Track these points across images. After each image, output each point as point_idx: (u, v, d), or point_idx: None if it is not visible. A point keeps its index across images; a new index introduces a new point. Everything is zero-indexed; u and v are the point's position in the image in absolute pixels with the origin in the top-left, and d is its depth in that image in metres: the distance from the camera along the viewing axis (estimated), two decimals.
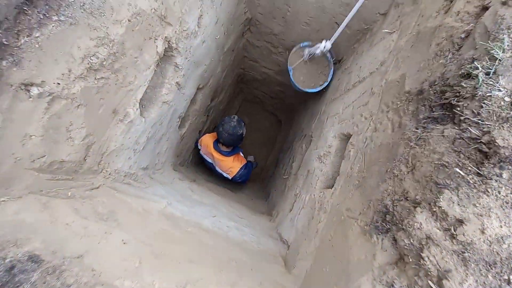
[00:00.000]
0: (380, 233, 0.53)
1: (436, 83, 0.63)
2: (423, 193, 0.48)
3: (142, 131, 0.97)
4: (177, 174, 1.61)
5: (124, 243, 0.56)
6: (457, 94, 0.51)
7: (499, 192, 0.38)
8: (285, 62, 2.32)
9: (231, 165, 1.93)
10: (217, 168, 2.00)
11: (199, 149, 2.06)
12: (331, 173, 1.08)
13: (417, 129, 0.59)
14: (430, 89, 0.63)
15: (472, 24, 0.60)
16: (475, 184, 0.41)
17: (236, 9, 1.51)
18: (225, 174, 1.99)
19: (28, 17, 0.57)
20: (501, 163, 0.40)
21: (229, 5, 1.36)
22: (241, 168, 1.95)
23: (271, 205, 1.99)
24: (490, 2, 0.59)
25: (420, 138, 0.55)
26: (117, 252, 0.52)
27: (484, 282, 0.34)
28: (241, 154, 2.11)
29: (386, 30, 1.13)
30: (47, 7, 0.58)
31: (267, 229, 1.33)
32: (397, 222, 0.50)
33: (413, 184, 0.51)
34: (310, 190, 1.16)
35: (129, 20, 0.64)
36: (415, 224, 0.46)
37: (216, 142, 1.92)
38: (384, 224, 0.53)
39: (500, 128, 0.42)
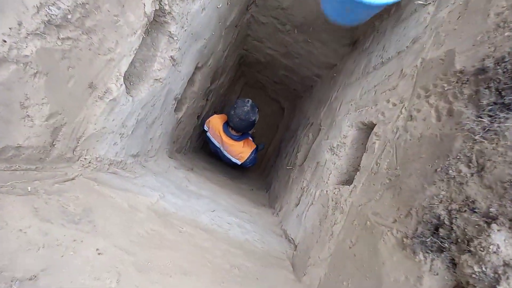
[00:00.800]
0: (429, 251, 0.41)
1: (506, 59, 0.48)
2: (500, 205, 0.35)
3: (130, 112, 0.83)
4: (173, 162, 1.48)
5: (99, 254, 0.44)
6: None
7: None
8: (292, 41, 2.12)
9: (241, 150, 1.82)
10: (226, 153, 1.88)
11: (206, 131, 1.91)
12: (346, 167, 0.95)
13: (481, 118, 0.45)
14: (498, 67, 0.48)
15: None
16: None
17: None
18: (233, 159, 1.88)
19: None
20: None
21: None
22: (251, 153, 1.86)
23: (273, 196, 1.88)
24: None
25: (489, 130, 0.42)
26: (87, 268, 0.40)
27: None
28: (250, 138, 1.99)
29: (419, 2, 0.96)
30: None
31: (270, 225, 1.23)
32: (459, 240, 0.38)
33: (483, 191, 0.38)
34: (321, 185, 1.04)
35: None
36: (490, 246, 0.34)
37: (226, 125, 1.79)
38: (435, 239, 0.41)
39: None
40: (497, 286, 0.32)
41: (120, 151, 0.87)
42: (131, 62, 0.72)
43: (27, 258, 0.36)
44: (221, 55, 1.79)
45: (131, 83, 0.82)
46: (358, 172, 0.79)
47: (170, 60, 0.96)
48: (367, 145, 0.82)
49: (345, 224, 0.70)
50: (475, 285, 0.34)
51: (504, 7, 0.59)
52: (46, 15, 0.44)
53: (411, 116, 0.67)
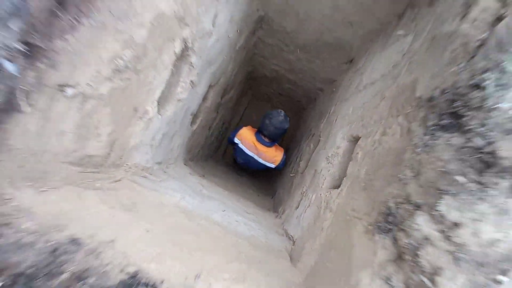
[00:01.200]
0: (382, 233, 0.57)
1: (447, 91, 0.64)
2: (424, 198, 0.51)
3: (159, 128, 1.03)
4: (188, 169, 1.67)
5: (147, 231, 0.62)
6: (466, 104, 0.53)
7: (496, 200, 0.40)
8: (295, 59, 2.32)
9: (275, 154, 2.07)
10: (260, 160, 2.08)
11: (236, 143, 2.10)
12: (338, 173, 1.11)
13: (425, 135, 0.61)
14: (441, 96, 0.64)
15: (486, 34, 0.61)
16: (474, 192, 0.44)
17: (249, 7, 1.52)
18: (268, 164, 2.10)
19: (61, 21, 0.62)
20: (501, 173, 0.42)
21: (243, 3, 1.38)
22: (283, 156, 2.12)
23: (278, 202, 2.03)
24: (506, 12, 0.59)
25: (427, 145, 0.58)
26: (142, 239, 0.58)
27: (473, 280, 0.37)
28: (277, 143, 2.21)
29: (400, 32, 1.13)
30: (78, 11, 0.63)
31: (274, 225, 1.38)
32: (398, 223, 0.53)
33: (417, 189, 0.53)
34: (317, 190, 1.19)
35: (151, 23, 0.69)
36: (415, 225, 0.49)
37: (258, 134, 2.01)
38: (386, 224, 0.56)
39: (503, 139, 0.44)
40: (418, 252, 0.47)
41: (149, 159, 1.07)
42: (162, 89, 0.92)
43: (105, 230, 0.55)
44: (231, 73, 2.00)
45: (160, 104, 1.02)
46: (345, 178, 0.94)
47: (190, 83, 1.16)
48: (352, 155, 0.98)
49: (332, 220, 0.85)
50: (405, 252, 0.49)
51: (458, 44, 0.75)
52: (115, 65, 0.64)
53: (385, 132, 0.83)
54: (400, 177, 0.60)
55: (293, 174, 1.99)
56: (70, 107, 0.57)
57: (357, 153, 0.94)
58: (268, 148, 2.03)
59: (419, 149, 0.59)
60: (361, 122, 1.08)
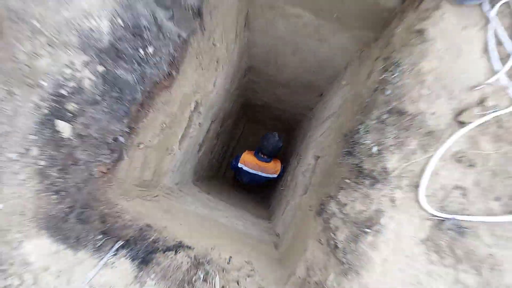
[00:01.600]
0: (319, 215, 0.98)
1: (351, 131, 1.09)
2: (334, 192, 0.93)
3: (178, 159, 1.46)
4: (197, 188, 2.09)
5: (181, 225, 1.03)
6: (354, 141, 0.97)
7: (364, 190, 0.83)
8: (280, 93, 2.83)
9: (274, 166, 2.54)
10: (263, 174, 2.53)
11: (239, 167, 2.54)
12: (307, 183, 1.53)
13: (341, 157, 1.05)
14: (349, 134, 1.09)
15: (369, 99, 1.07)
16: (353, 187, 0.86)
17: (239, 62, 2.04)
18: (271, 176, 2.56)
19: (140, 113, 1.08)
20: (366, 177, 0.85)
21: (235, 62, 1.88)
22: (282, 166, 2.57)
23: (271, 212, 2.41)
24: (384, 87, 1.06)
25: (339, 163, 1.01)
26: (180, 228, 0.99)
27: (351, 233, 0.79)
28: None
29: (343, 82, 1.61)
30: (147, 108, 1.09)
31: (266, 228, 1.76)
32: (325, 208, 0.95)
33: (333, 187, 0.96)
34: (295, 197, 1.60)
35: (180, 101, 1.15)
36: (330, 207, 0.91)
37: (257, 154, 2.48)
38: (321, 210, 0.98)
39: (366, 159, 0.88)
40: (329, 221, 0.89)
41: (172, 181, 1.49)
42: (182, 133, 1.38)
43: (161, 221, 0.96)
44: (228, 107, 2.49)
45: (180, 143, 1.47)
46: (310, 186, 1.36)
47: (198, 125, 1.62)
48: (315, 170, 1.41)
49: (300, 215, 1.26)
50: (326, 223, 0.91)
51: (358, 103, 1.21)
52: (162, 127, 1.09)
53: (329, 153, 1.27)
54: (330, 182, 1.02)
55: (283, 188, 2.39)
56: (142, 153, 1.01)
57: (317, 168, 1.37)
58: (268, 163, 2.50)
59: (337, 165, 1.02)
60: (321, 145, 1.53)
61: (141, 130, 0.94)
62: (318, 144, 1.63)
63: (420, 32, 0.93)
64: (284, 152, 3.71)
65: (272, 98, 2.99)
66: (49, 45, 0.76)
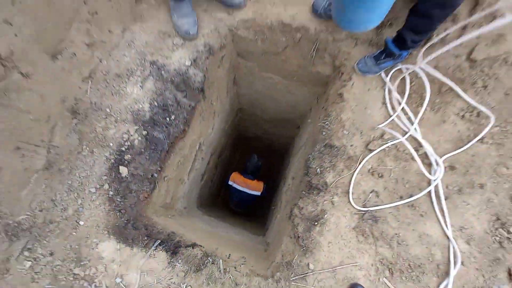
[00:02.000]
0: (289, 219, 1.42)
1: (307, 159, 1.59)
2: (297, 201, 1.39)
3: (187, 187, 1.92)
4: (200, 212, 2.49)
5: (193, 234, 1.45)
6: (307, 164, 1.46)
7: (313, 197, 1.29)
8: (269, 128, 3.40)
9: (257, 184, 3.09)
10: (249, 191, 3.03)
11: (230, 185, 3.06)
12: (287, 199, 1.98)
13: (302, 177, 1.52)
14: (307, 161, 1.59)
15: (316, 135, 1.59)
16: (307, 196, 1.33)
17: (231, 108, 2.61)
18: (255, 192, 3.06)
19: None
20: (314, 189, 1.32)
21: (227, 109, 2.45)
22: (264, 185, 3.11)
23: (266, 229, 2.79)
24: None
25: (301, 181, 1.49)
26: (192, 235, 1.41)
27: (306, 226, 1.23)
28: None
29: (309, 120, 2.16)
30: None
31: (260, 241, 2.15)
32: (292, 212, 1.39)
33: (297, 198, 1.42)
34: (280, 212, 2.03)
35: (190, 145, 1.65)
36: (294, 212, 1.36)
37: (244, 173, 3.09)
38: (290, 215, 1.42)
39: (314, 177, 1.36)
40: (290, 216, 1.33)
41: (181, 205, 1.93)
42: (190, 167, 1.86)
43: (184, 231, 1.39)
44: (224, 142, 3.01)
45: (189, 174, 1.94)
46: (288, 200, 1.80)
47: (201, 159, 2.11)
48: (291, 188, 1.86)
49: (281, 222, 1.69)
50: (292, 217, 1.35)
51: (315, 136, 1.73)
52: (178, 164, 1.58)
53: (297, 175, 1.74)
54: (296, 195, 1.48)
55: (273, 207, 2.80)
56: (165, 184, 1.47)
57: (292, 186, 1.83)
58: (252, 180, 3.06)
59: (300, 183, 1.49)
60: (295, 169, 2.00)
61: (166, 168, 1.42)
62: (294, 168, 2.12)
63: (340, 94, 1.49)
64: (271, 175, 4.15)
65: (260, 131, 3.55)
66: (115, 122, 1.28)
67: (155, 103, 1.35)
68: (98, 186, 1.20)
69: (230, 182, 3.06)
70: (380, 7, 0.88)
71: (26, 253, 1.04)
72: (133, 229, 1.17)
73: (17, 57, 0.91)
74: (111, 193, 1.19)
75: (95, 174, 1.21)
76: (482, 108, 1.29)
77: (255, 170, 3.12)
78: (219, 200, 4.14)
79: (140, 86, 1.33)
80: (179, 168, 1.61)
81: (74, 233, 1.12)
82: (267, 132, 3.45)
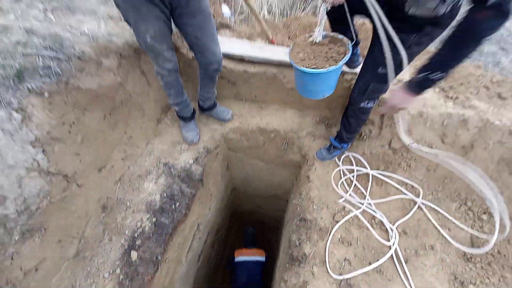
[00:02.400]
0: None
1: (288, 232, 1.86)
2: (283, 274, 1.58)
3: (184, 270, 2.06)
4: None
5: None
6: (288, 237, 1.73)
7: (296, 269, 1.50)
8: (261, 203, 3.70)
9: (260, 251, 3.43)
10: (256, 257, 3.33)
11: (237, 262, 3.31)
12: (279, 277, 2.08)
13: (286, 249, 1.76)
14: (288, 233, 1.86)
15: (294, 210, 1.93)
16: (290, 268, 1.54)
17: (226, 189, 3.00)
18: (261, 258, 3.37)
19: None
20: (295, 261, 1.55)
21: (222, 190, 2.83)
22: (265, 254, 3.43)
23: None
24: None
25: (286, 253, 1.72)
26: None
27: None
28: None
29: (291, 196, 2.53)
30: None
31: None
32: (281, 286, 1.55)
33: (283, 271, 1.61)
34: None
35: (189, 226, 1.94)
36: (281, 285, 1.53)
37: (246, 246, 3.55)
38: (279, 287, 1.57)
39: (294, 249, 1.61)
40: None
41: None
42: (188, 246, 2.07)
43: None
44: (220, 220, 3.23)
45: (186, 255, 2.12)
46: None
47: (198, 238, 2.32)
48: (282, 261, 2.02)
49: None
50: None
51: (294, 211, 2.06)
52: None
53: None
54: (283, 269, 1.67)
55: None
56: (166, 265, 1.67)
57: (282, 259, 1.99)
58: (254, 249, 3.44)
59: (285, 255, 1.71)
60: (284, 242, 2.21)
61: (168, 250, 1.67)
62: (284, 243, 2.32)
63: (308, 176, 1.93)
64: (268, 252, 4.11)
65: (254, 206, 3.82)
66: (132, 212, 1.63)
67: (165, 194, 1.75)
68: (111, 271, 1.43)
69: (237, 259, 3.31)
70: (328, 82, 1.21)
71: None
72: None
73: (77, 175, 1.37)
74: (121, 277, 1.41)
75: (110, 259, 1.46)
76: (409, 181, 1.72)
77: (253, 239, 3.59)
78: (217, 282, 3.90)
79: (154, 182, 1.77)
80: (179, 248, 1.84)
81: None
82: (260, 206, 3.73)
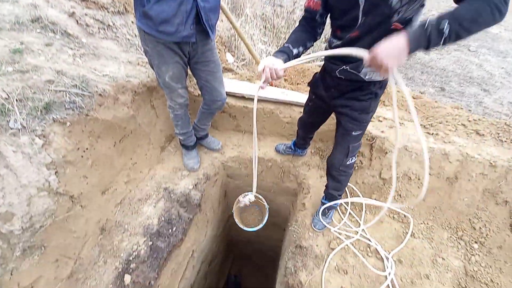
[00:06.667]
0: None
1: (285, 260, 1.85)
2: None
3: None
4: None
5: None
6: (284, 264, 1.72)
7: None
8: (259, 231, 3.63)
9: None
10: None
11: None
12: None
13: (283, 276, 1.73)
14: (285, 261, 1.84)
15: (290, 237, 1.93)
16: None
17: (222, 215, 2.99)
18: None
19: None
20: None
21: (219, 217, 2.82)
22: None
23: None
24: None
25: (281, 281, 1.68)
26: None
27: None
28: None
29: (289, 224, 2.53)
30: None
31: None
32: None
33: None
34: None
35: (184, 252, 1.92)
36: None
37: None
38: None
39: (290, 276, 1.59)
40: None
41: None
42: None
43: None
44: (215, 248, 3.14)
45: (179, 284, 2.05)
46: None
47: (192, 267, 2.26)
48: None
49: None
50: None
51: (289, 238, 2.06)
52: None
53: None
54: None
55: None
56: None
57: None
58: None
59: (281, 284, 1.68)
60: (283, 270, 2.15)
61: (162, 275, 1.65)
62: (281, 272, 2.26)
63: (303, 204, 1.99)
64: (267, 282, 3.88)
65: (251, 235, 3.72)
66: (129, 235, 1.65)
67: (162, 218, 1.78)
68: None
69: None
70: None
71: None
72: None
73: (83, 196, 1.44)
74: None
75: (103, 282, 1.44)
76: (400, 210, 1.79)
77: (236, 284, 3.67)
78: None
79: (153, 206, 1.81)
80: (172, 276, 1.80)
81: None
82: (258, 235, 3.64)
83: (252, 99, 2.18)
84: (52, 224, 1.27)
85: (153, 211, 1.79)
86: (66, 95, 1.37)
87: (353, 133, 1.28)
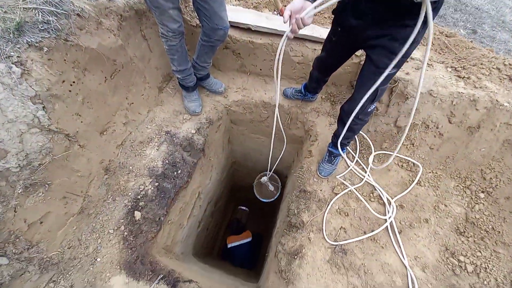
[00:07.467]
0: (275, 256, 1.64)
1: (288, 203, 1.91)
2: (280, 239, 1.64)
3: (185, 232, 2.14)
4: (195, 259, 2.60)
5: (189, 273, 1.64)
6: (287, 207, 1.78)
7: (293, 235, 1.56)
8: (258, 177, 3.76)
9: (246, 234, 3.70)
10: (243, 240, 3.59)
11: (230, 247, 3.58)
12: (276, 242, 2.18)
13: (285, 218, 1.81)
14: (288, 204, 1.90)
15: (294, 183, 1.95)
16: (288, 234, 1.60)
17: (226, 161, 3.03)
18: (248, 239, 3.63)
19: None
20: (293, 227, 1.60)
21: (223, 162, 2.85)
22: (251, 234, 3.68)
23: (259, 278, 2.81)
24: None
25: (283, 221, 1.77)
26: (189, 274, 1.60)
27: (288, 260, 1.46)
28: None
29: (292, 171, 2.56)
30: None
31: (252, 286, 2.23)
32: (277, 250, 1.63)
33: (280, 237, 1.67)
34: (270, 254, 2.20)
35: (190, 194, 1.99)
36: (278, 249, 1.60)
37: (232, 234, 3.74)
38: (276, 252, 1.65)
39: (293, 217, 1.66)
40: (276, 254, 1.56)
41: (179, 250, 2.11)
42: (189, 213, 2.13)
43: (179, 269, 1.59)
44: (220, 192, 3.31)
45: (188, 220, 2.20)
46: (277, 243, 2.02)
47: (199, 206, 2.39)
48: (279, 231, 2.10)
49: (270, 262, 1.87)
50: (278, 254, 1.57)
51: (293, 183, 2.09)
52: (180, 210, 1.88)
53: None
54: (280, 235, 1.74)
55: (267, 254, 2.90)
56: (168, 227, 1.73)
57: (279, 229, 2.07)
58: (243, 233, 3.69)
59: (283, 224, 1.77)
60: (283, 213, 2.27)
61: (170, 213, 1.72)
62: (283, 213, 2.39)
63: (310, 151, 1.93)
64: (266, 224, 4.27)
65: (253, 181, 3.88)
66: (135, 176, 1.65)
67: (167, 161, 1.75)
68: (115, 228, 1.48)
69: (229, 245, 3.56)
70: None
71: (51, 285, 1.24)
72: (140, 265, 1.40)
73: (79, 135, 1.36)
74: (125, 233, 1.47)
75: (114, 217, 1.51)
76: (410, 159, 1.73)
77: (240, 228, 3.89)
78: (214, 252, 4.12)
79: (156, 149, 1.76)
80: (181, 213, 1.90)
81: (92, 268, 1.34)
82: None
83: (260, 32, 1.89)
84: (52, 162, 1.23)
85: (157, 154, 1.76)
86: (38, 14, 1.13)
87: (387, 71, 0.96)
